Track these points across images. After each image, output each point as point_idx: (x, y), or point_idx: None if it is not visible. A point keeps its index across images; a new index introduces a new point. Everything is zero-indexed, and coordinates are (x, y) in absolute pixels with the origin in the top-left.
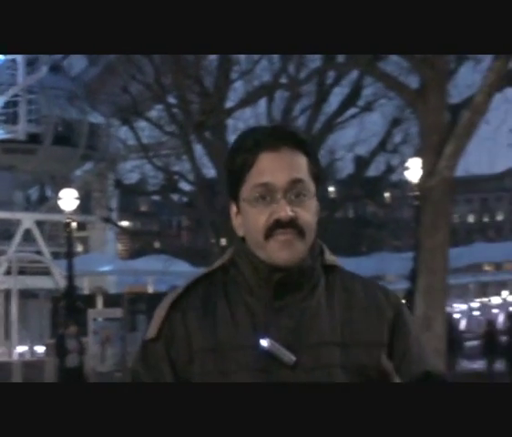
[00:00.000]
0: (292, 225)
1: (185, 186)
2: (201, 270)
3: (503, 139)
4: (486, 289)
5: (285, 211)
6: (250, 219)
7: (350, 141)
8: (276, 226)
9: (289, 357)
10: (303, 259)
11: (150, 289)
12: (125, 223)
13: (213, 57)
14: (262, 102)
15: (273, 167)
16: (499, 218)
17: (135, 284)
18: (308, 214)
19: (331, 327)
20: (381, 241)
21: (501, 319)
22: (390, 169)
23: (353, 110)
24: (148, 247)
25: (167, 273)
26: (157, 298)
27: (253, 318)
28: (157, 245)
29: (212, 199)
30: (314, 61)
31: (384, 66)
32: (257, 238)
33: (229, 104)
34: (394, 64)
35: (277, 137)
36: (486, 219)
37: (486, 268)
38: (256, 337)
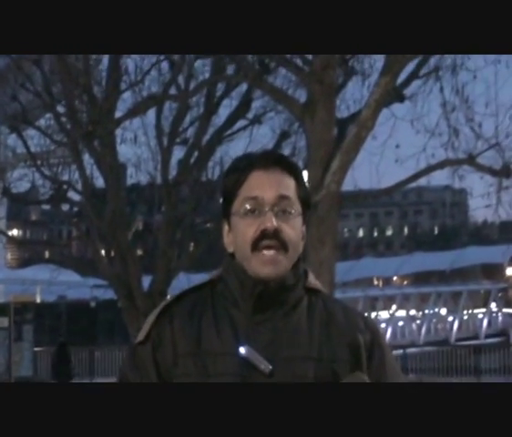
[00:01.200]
0: (277, 237)
1: (74, 195)
2: (91, 281)
3: (390, 154)
4: (374, 304)
5: (271, 222)
6: (239, 232)
7: (239, 153)
8: (262, 237)
9: (266, 365)
10: (286, 276)
11: (38, 299)
12: (15, 232)
13: (103, 67)
14: (151, 112)
15: (263, 184)
16: (389, 232)
17: (22, 293)
18: (292, 230)
19: (308, 343)
20: None
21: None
22: None
23: (242, 122)
24: (38, 256)
25: (54, 283)
26: (44, 307)
27: (235, 328)
28: (46, 254)
29: (101, 209)
30: (203, 73)
31: (273, 80)
32: (244, 251)
33: (117, 114)
34: (282, 77)
35: (268, 158)
36: (375, 234)
37: (376, 282)
38: (236, 345)
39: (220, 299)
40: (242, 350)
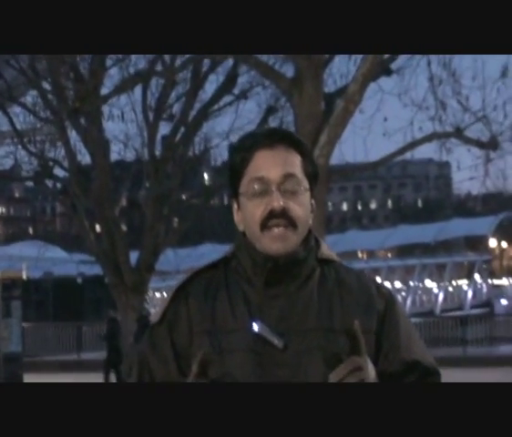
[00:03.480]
0: (285, 216)
1: (60, 172)
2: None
3: (377, 128)
4: None
5: (278, 202)
6: (247, 212)
7: (225, 129)
8: (270, 216)
9: (278, 341)
10: (296, 251)
11: (24, 275)
12: None
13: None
14: (138, 89)
15: (268, 163)
16: (373, 206)
17: (9, 269)
18: (300, 208)
19: (321, 315)
20: None
21: None
22: None
23: (228, 98)
24: (23, 232)
25: (41, 259)
26: (30, 284)
27: (249, 304)
28: (31, 231)
29: (87, 186)
30: None
31: (260, 55)
32: (254, 230)
33: (104, 90)
34: None
35: (273, 136)
36: (359, 208)
37: (360, 255)
38: (249, 321)
39: (233, 276)
40: (255, 326)
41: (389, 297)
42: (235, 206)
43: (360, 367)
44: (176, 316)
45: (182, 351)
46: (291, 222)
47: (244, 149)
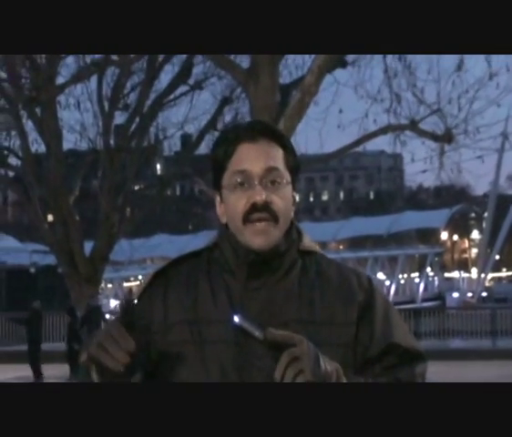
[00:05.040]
0: (267, 209)
1: (13, 160)
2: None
3: (333, 120)
4: None
5: (260, 195)
6: (230, 205)
7: (180, 119)
8: (252, 210)
9: (259, 333)
10: (278, 245)
11: None
12: None
13: None
14: (94, 79)
15: (251, 156)
16: (325, 198)
17: None
18: (282, 200)
19: (301, 306)
20: (208, 220)
21: None
22: None
23: (183, 88)
24: None
25: None
26: None
27: (230, 296)
28: None
29: (41, 175)
30: None
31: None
32: (236, 223)
33: (60, 80)
34: None
35: (255, 130)
36: (311, 199)
37: None
38: (231, 313)
39: (216, 266)
40: (236, 318)
41: (368, 286)
42: (218, 198)
43: (296, 357)
44: (152, 300)
45: (154, 335)
46: (273, 216)
47: (227, 142)
